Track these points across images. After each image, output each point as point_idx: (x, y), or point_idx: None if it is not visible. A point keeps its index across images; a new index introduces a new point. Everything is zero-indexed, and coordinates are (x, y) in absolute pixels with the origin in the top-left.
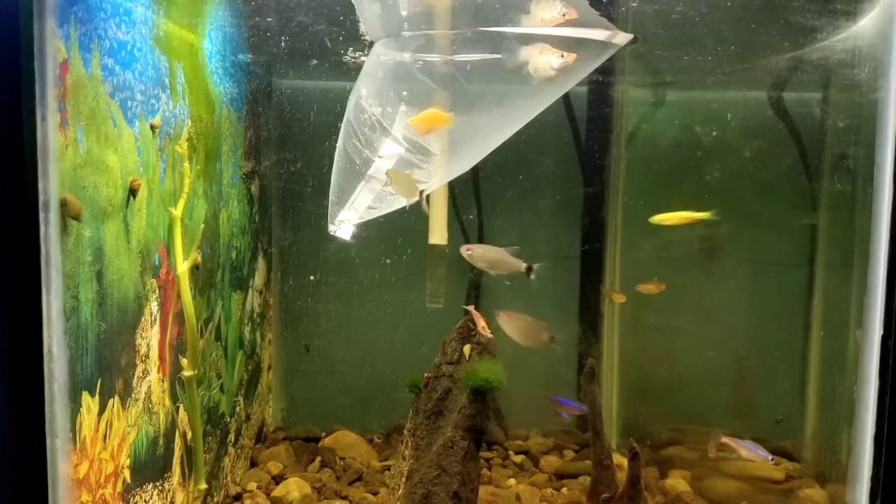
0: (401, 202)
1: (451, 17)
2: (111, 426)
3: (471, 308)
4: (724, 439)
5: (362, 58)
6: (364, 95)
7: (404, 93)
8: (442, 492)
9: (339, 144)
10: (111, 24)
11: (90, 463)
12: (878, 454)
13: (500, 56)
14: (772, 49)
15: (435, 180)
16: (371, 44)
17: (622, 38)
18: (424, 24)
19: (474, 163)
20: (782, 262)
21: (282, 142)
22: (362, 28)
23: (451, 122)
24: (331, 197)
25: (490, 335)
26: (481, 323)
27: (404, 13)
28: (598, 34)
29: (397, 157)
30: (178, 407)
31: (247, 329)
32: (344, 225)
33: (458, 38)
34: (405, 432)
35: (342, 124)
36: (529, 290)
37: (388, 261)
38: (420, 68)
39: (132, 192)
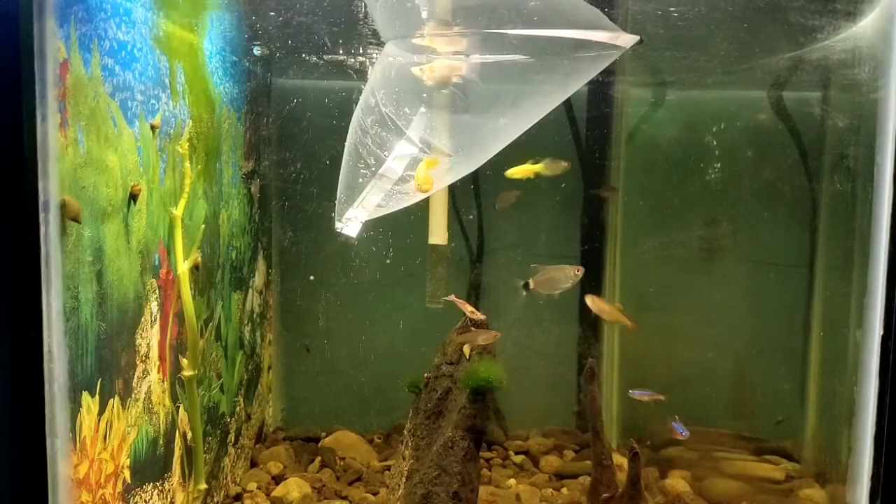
0: (409, 201)
1: (462, 18)
2: (111, 426)
3: (451, 297)
4: None
5: (364, 58)
6: (377, 94)
7: (424, 94)
8: (442, 492)
9: (347, 143)
10: (111, 24)
11: (90, 463)
12: (878, 454)
13: (522, 57)
14: (772, 49)
15: (446, 179)
16: (374, 43)
17: (627, 39)
18: (439, 26)
19: (482, 163)
20: (782, 262)
21: (282, 142)
22: (376, 28)
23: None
24: (338, 195)
25: (482, 316)
26: (468, 308)
27: (424, 14)
28: (603, 35)
29: (410, 157)
30: (178, 407)
31: (247, 329)
32: (351, 222)
33: (471, 38)
34: (405, 432)
35: (351, 123)
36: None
37: (389, 261)
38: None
39: (133, 196)
